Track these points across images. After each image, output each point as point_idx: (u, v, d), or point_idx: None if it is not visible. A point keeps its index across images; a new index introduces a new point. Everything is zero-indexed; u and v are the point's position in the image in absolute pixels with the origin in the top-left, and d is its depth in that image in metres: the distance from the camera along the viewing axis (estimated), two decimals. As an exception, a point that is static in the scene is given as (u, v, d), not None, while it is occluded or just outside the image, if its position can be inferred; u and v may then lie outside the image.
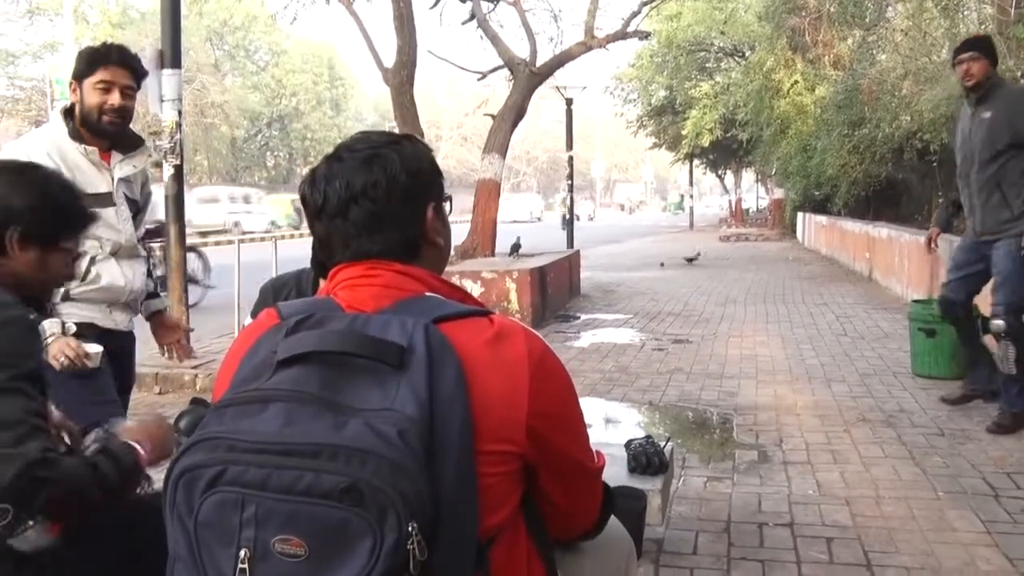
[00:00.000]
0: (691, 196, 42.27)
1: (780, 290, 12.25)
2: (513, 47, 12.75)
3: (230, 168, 49.34)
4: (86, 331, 2.94)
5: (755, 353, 7.26)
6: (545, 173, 77.70)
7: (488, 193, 11.61)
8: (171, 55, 6.72)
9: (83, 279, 2.98)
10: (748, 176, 44.02)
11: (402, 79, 9.88)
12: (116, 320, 3.12)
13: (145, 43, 7.10)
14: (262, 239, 13.51)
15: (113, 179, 3.07)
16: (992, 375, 5.05)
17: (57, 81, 24.49)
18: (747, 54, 26.65)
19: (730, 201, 44.79)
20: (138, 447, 1.79)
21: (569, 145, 17.54)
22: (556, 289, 10.15)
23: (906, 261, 10.55)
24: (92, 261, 3.01)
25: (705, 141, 29.47)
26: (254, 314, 3.04)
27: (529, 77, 11.88)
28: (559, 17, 15.23)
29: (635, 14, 14.40)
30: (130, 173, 3.15)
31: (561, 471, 1.41)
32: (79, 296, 2.99)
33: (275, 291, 3.12)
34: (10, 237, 1.87)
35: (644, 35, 15.11)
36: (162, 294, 3.66)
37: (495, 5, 13.49)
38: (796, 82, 18.92)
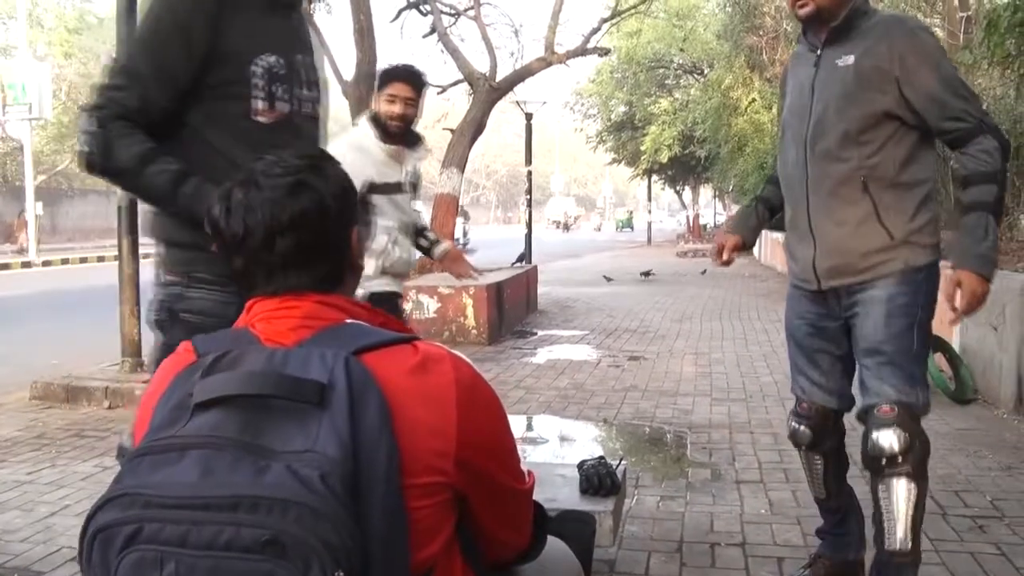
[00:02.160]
0: (649, 211, 42.55)
1: (736, 307, 12.35)
2: (474, 61, 12.79)
3: (187, 176, 48.78)
4: (386, 300, 3.76)
5: (710, 371, 7.30)
6: (504, 187, 77.87)
7: (446, 207, 11.60)
8: (126, 64, 6.60)
9: (387, 255, 3.84)
10: (706, 192, 44.43)
11: (362, 92, 9.84)
12: (399, 287, 4.03)
13: (101, 50, 7.00)
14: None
15: (403, 171, 3.88)
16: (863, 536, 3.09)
17: (10, 86, 24.12)
18: (706, 71, 26.96)
19: (687, 217, 45.16)
20: None
21: (528, 160, 17.57)
22: (513, 305, 10.14)
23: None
24: (393, 240, 3.86)
25: (664, 157, 29.73)
26: None
27: (489, 92, 11.90)
28: (520, 32, 15.34)
29: (595, 30, 14.49)
30: (414, 166, 3.98)
31: (491, 497, 1.38)
32: (388, 270, 3.86)
33: None
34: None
35: (604, 51, 15.18)
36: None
37: (456, 19, 13.52)
38: (754, 100, 19.13)
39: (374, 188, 3.72)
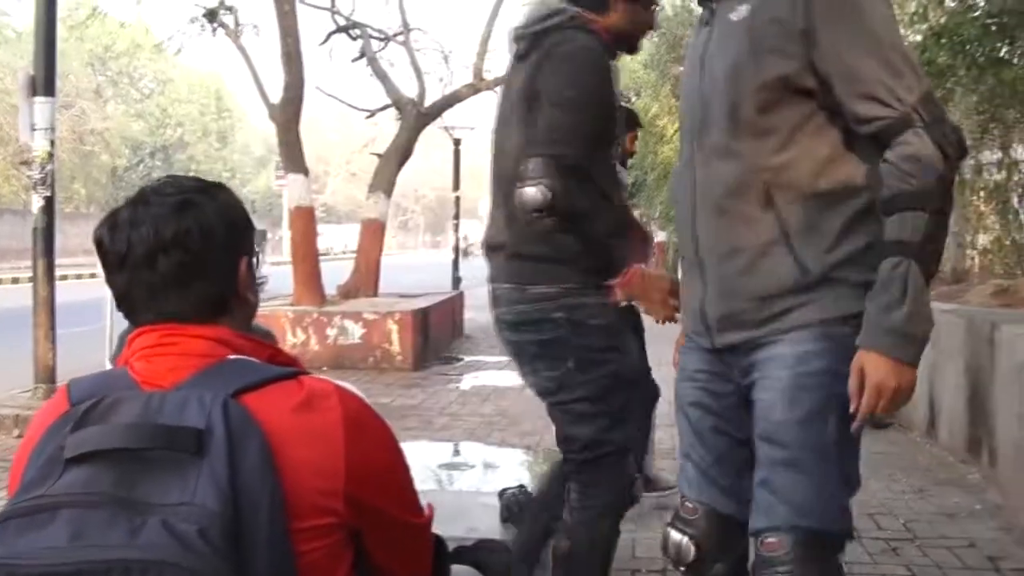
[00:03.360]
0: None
1: (663, 331, 12.37)
2: (403, 86, 12.77)
3: (110, 198, 47.57)
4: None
5: (634, 396, 7.33)
6: (433, 211, 77.77)
7: (373, 233, 11.51)
8: (44, 82, 6.41)
9: None
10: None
11: (288, 116, 9.73)
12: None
13: (18, 66, 6.81)
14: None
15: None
16: None
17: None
18: (633, 99, 27.33)
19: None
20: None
21: (456, 185, 17.62)
22: (439, 331, 10.10)
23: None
24: None
25: (591, 183, 29.98)
26: (112, 360, 2.90)
27: (417, 117, 11.88)
28: (449, 58, 15.38)
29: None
30: None
31: (386, 534, 1.34)
32: None
33: None
34: None
35: (532, 79, 15.30)
36: None
37: (385, 44, 13.49)
38: (678, 129, 19.44)
39: None
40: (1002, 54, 5.55)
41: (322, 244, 12.30)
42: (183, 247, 1.25)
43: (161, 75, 49.67)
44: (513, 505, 3.02)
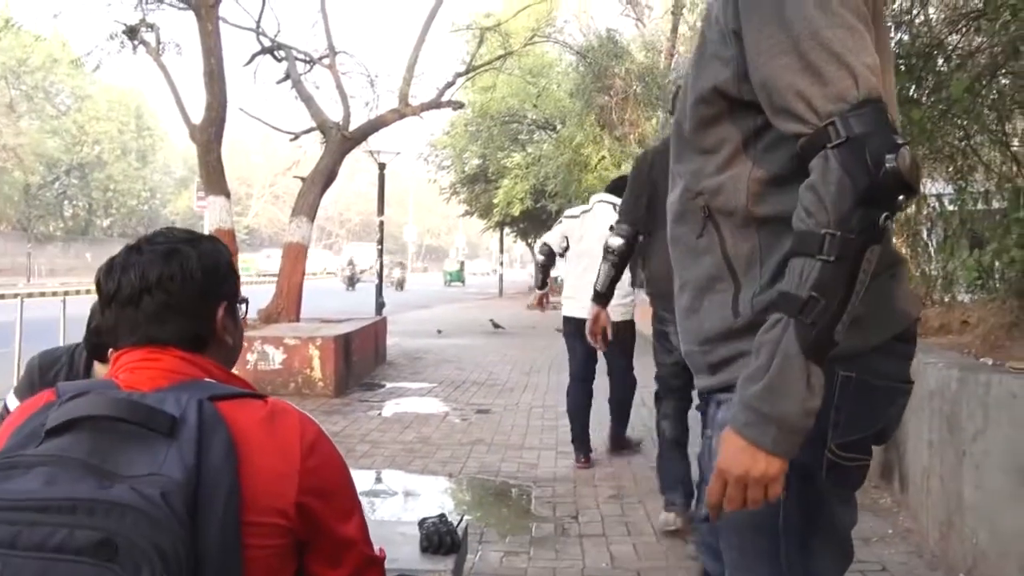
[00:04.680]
0: (500, 263, 43.01)
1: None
2: (328, 109, 12.69)
3: (22, 216, 46.22)
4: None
5: (556, 424, 7.33)
6: (357, 235, 77.28)
7: (295, 257, 11.36)
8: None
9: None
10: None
11: (209, 136, 9.58)
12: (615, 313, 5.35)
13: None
14: (54, 294, 12.69)
15: None
16: None
17: None
18: (558, 128, 27.59)
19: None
20: None
21: (380, 210, 17.50)
22: (361, 356, 9.99)
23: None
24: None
25: (516, 210, 30.11)
26: (17, 391, 2.79)
27: (342, 141, 11.81)
28: (375, 82, 15.32)
29: (449, 84, 14.64)
30: None
31: (334, 552, 1.43)
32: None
33: (42, 368, 2.84)
34: None
35: (458, 105, 15.34)
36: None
37: (311, 67, 13.40)
38: (603, 157, 19.67)
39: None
40: (911, 94, 5.74)
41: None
42: (166, 289, 1.43)
43: (79, 91, 48.47)
44: (433, 535, 2.98)
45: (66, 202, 51.17)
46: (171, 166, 57.39)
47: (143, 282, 1.42)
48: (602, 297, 4.39)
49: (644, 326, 6.11)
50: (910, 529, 4.41)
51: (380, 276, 18.19)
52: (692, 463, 4.39)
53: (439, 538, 2.97)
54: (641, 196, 4.39)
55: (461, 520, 3.17)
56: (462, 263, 52.82)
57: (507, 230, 39.19)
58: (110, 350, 1.52)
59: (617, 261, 4.39)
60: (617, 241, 4.42)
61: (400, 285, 39.35)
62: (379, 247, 17.73)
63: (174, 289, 1.43)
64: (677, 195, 1.62)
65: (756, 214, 1.48)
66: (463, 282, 49.33)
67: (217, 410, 1.31)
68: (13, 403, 2.65)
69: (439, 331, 16.90)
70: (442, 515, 3.14)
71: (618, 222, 4.51)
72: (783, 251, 1.42)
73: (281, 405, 1.41)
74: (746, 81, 1.44)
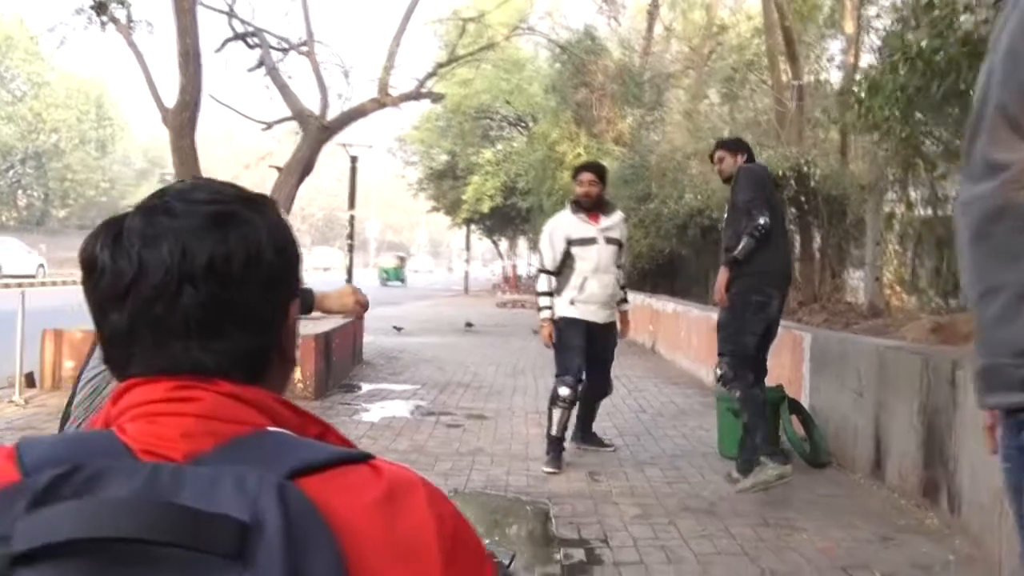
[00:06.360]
0: (467, 261, 42.54)
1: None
2: (301, 99, 12.12)
3: (-27, 205, 44.88)
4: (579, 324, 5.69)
5: (557, 430, 6.92)
6: (320, 230, 76.47)
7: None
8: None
9: (582, 289, 5.69)
10: (523, 243, 44.95)
11: (183, 121, 9.01)
12: (598, 315, 5.75)
13: None
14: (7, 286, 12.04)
15: (596, 229, 5.75)
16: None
17: None
18: (530, 124, 27.23)
19: (503, 267, 45.48)
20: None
21: (352, 204, 16.94)
22: (341, 356, 9.49)
23: (693, 336, 10.69)
24: (585, 278, 5.68)
25: (485, 207, 29.72)
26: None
27: (319, 131, 11.28)
28: (349, 74, 14.86)
29: (430, 75, 14.15)
30: (607, 225, 5.80)
31: None
32: (579, 300, 5.70)
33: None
34: None
35: (438, 96, 14.88)
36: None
37: (285, 55, 12.85)
38: (579, 155, 19.29)
39: (571, 241, 5.72)
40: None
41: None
42: (219, 278, 0.85)
43: (36, 77, 47.07)
44: None
45: (20, 191, 49.74)
46: (131, 157, 56.09)
47: (186, 262, 0.83)
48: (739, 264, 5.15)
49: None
50: (973, 556, 4.03)
51: (350, 272, 17.63)
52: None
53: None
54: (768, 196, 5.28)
55: (511, 562, 2.72)
56: (402, 259, 48.14)
57: (473, 227, 38.76)
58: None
59: (760, 237, 5.06)
60: (764, 218, 5.07)
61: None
62: (349, 242, 17.17)
63: (233, 277, 0.85)
64: (992, 187, 1.36)
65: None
66: (403, 281, 44.44)
67: (309, 500, 0.75)
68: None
69: (398, 328, 16.29)
70: (491, 553, 2.70)
71: (760, 211, 5.08)
72: None
73: (401, 477, 0.83)
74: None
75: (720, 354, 5.27)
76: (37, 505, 0.70)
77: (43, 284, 27.70)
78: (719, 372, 5.23)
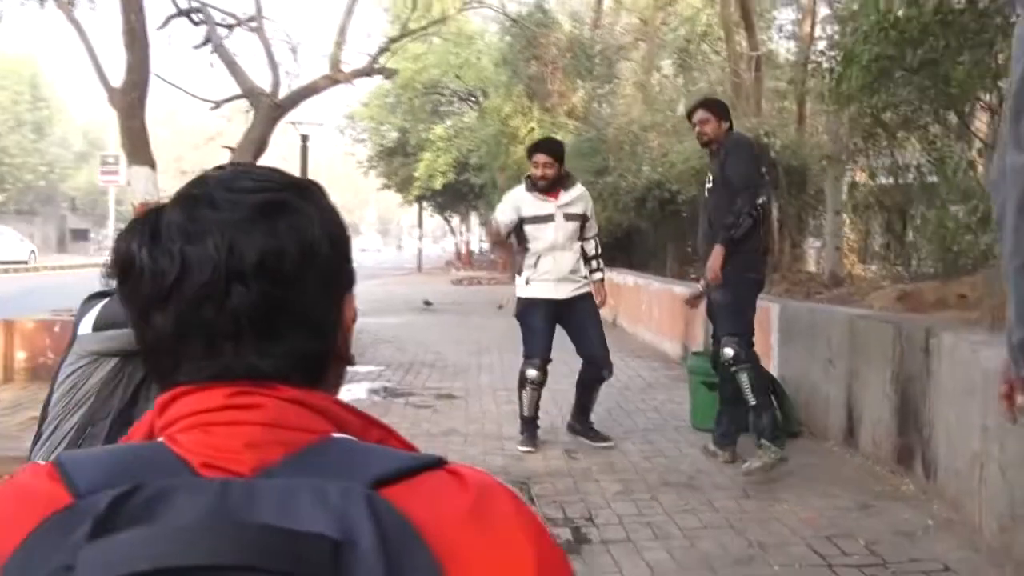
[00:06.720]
0: (420, 238, 42.32)
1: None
2: (250, 76, 11.86)
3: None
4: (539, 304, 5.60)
5: (528, 408, 6.90)
6: (267, 211, 75.57)
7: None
8: None
9: (535, 267, 5.59)
10: (475, 219, 44.83)
11: (132, 101, 8.75)
12: (558, 291, 5.60)
13: None
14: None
15: (554, 206, 5.61)
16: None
17: None
18: (480, 99, 27.05)
19: (456, 244, 45.34)
20: None
21: (305, 183, 16.73)
22: (303, 338, 9.35)
23: (655, 309, 10.73)
24: (539, 256, 5.58)
25: (438, 184, 29.53)
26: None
27: (271, 109, 11.03)
28: (297, 51, 14.59)
29: (383, 50, 13.94)
30: (567, 200, 5.65)
31: None
32: (535, 278, 5.60)
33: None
34: None
35: (391, 72, 14.67)
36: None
37: (231, 31, 12.54)
38: (533, 129, 19.23)
39: (524, 219, 5.62)
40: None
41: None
42: (272, 276, 0.76)
43: (-35, 57, 45.65)
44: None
45: (-47, 177, 48.35)
46: (69, 139, 54.64)
47: (234, 259, 0.75)
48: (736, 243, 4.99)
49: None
50: (951, 520, 4.09)
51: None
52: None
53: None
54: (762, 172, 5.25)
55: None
56: None
57: (425, 204, 38.51)
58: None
59: (758, 216, 4.98)
60: (764, 197, 5.05)
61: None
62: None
63: (288, 274, 0.77)
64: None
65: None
66: None
67: (401, 513, 0.68)
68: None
69: (428, 303, 16.24)
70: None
71: (758, 188, 5.01)
72: None
73: (480, 481, 0.76)
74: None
75: (724, 335, 5.07)
76: (101, 531, 0.64)
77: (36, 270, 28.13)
78: (730, 353, 4.94)
